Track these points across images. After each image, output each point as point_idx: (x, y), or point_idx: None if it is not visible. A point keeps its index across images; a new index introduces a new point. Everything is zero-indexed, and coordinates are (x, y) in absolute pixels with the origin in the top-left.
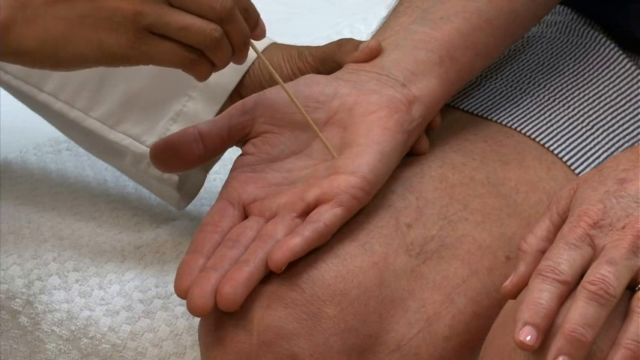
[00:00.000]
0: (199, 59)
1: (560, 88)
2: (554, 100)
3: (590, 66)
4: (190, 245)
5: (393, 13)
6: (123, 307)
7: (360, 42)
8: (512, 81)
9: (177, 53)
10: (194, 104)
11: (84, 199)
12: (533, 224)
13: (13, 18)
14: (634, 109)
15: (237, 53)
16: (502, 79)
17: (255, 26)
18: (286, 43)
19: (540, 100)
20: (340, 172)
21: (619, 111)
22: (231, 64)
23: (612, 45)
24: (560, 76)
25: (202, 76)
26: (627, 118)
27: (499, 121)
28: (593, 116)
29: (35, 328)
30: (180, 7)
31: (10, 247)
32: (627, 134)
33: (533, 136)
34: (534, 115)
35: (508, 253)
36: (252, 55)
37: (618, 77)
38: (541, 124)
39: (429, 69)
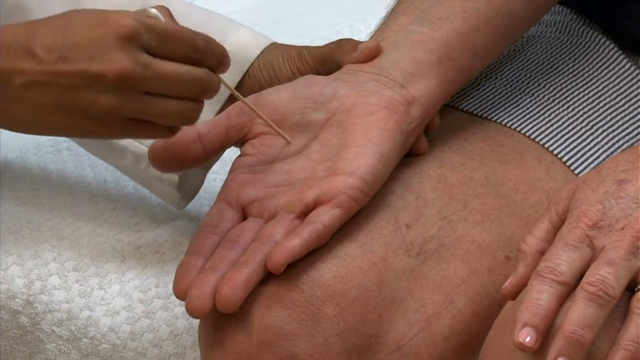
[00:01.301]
0: (176, 130)
1: (559, 88)
2: (553, 100)
3: (590, 66)
4: (189, 246)
5: (392, 14)
6: (123, 307)
7: (359, 42)
8: (512, 81)
9: (155, 132)
10: None
11: (84, 199)
12: (533, 225)
13: None
14: (633, 109)
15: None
16: (501, 79)
17: (226, 68)
18: (286, 43)
19: (540, 100)
20: (339, 172)
21: (618, 111)
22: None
23: (612, 45)
24: (559, 76)
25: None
26: (627, 118)
27: (498, 121)
28: (593, 116)
29: (35, 328)
30: (159, 94)
31: (10, 247)
32: (627, 134)
33: (532, 136)
34: (534, 115)
35: (508, 253)
36: (251, 54)
37: (618, 77)
38: (540, 124)
39: (428, 69)
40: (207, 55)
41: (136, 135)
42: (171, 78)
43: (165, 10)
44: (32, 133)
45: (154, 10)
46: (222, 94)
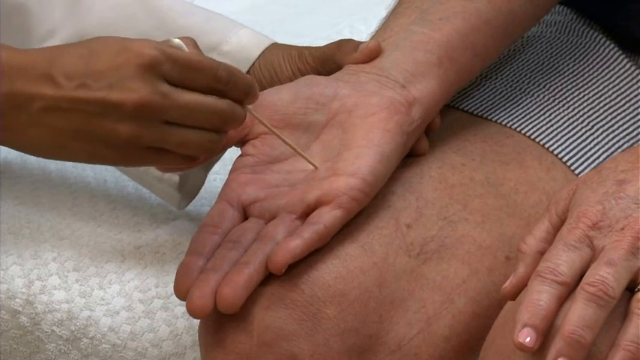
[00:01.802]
0: (195, 160)
1: (559, 88)
2: (553, 101)
3: (590, 66)
4: (190, 246)
5: (393, 14)
6: (123, 307)
7: (360, 43)
8: (512, 81)
9: (174, 161)
10: None
11: (84, 199)
12: (533, 225)
13: (10, 121)
14: (634, 110)
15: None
16: (502, 79)
17: (253, 99)
18: (286, 43)
19: (540, 100)
20: (340, 173)
21: (619, 111)
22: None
23: (612, 45)
24: (559, 76)
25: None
26: (627, 118)
27: (499, 121)
28: (593, 116)
29: (35, 328)
30: (179, 124)
31: (10, 247)
32: (627, 134)
33: (532, 137)
34: (534, 115)
35: (508, 253)
36: (252, 55)
37: (618, 77)
38: (541, 124)
39: (429, 70)
40: (230, 86)
41: (155, 163)
42: (190, 108)
43: (190, 41)
44: (50, 158)
45: (177, 40)
46: None
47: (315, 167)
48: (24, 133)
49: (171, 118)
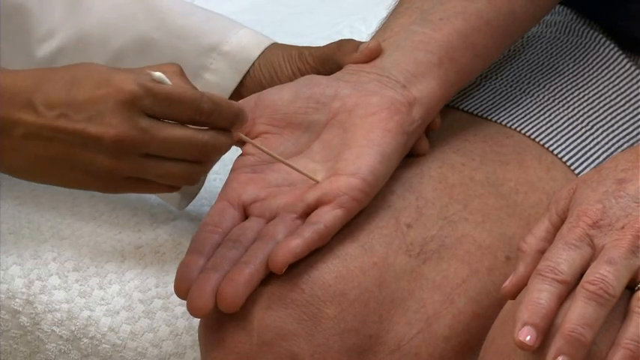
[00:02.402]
0: (175, 188)
1: (559, 88)
2: (553, 101)
3: (590, 66)
4: (190, 245)
5: (393, 14)
6: (123, 307)
7: (360, 43)
8: (512, 81)
9: (156, 189)
10: None
11: (84, 199)
12: (533, 225)
13: None
14: (634, 109)
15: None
16: (502, 79)
17: (242, 125)
18: (286, 43)
19: (540, 100)
20: (340, 173)
21: (619, 111)
22: (230, 64)
23: (612, 45)
24: (559, 76)
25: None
26: (627, 118)
27: (499, 121)
28: (593, 116)
29: (35, 328)
30: (159, 156)
31: (10, 247)
32: (627, 134)
33: (532, 137)
34: (534, 115)
35: (508, 253)
36: (252, 55)
37: (618, 77)
38: (541, 124)
39: (429, 70)
40: (214, 116)
41: (136, 191)
42: (170, 142)
43: (175, 69)
44: (31, 181)
45: (158, 74)
46: (222, 94)
47: (316, 182)
48: (6, 157)
49: (150, 151)
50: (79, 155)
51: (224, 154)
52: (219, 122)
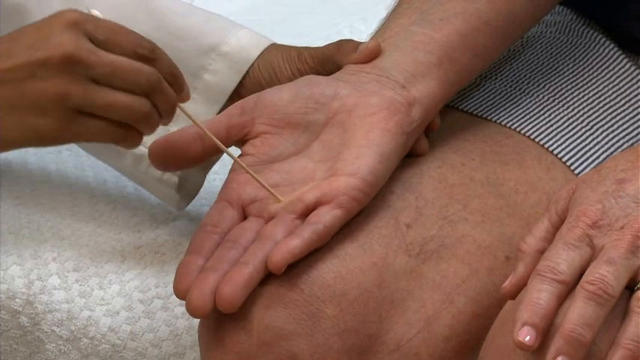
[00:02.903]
0: (129, 132)
1: (559, 88)
2: (553, 101)
3: (590, 66)
4: (189, 246)
5: (393, 14)
6: (123, 308)
7: (360, 43)
8: (512, 81)
9: (106, 130)
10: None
11: (84, 199)
12: (533, 225)
13: None
14: (633, 109)
15: (165, 119)
16: (501, 79)
17: (181, 89)
18: (286, 43)
19: (540, 100)
20: (340, 173)
21: (618, 111)
22: (230, 65)
23: (612, 45)
24: (559, 76)
25: (132, 146)
26: (627, 118)
27: (498, 121)
28: (593, 116)
29: (35, 328)
30: (106, 85)
31: (10, 247)
32: (627, 134)
33: (532, 137)
34: (534, 115)
35: (508, 253)
36: (251, 55)
37: (618, 77)
38: (540, 124)
39: (429, 70)
40: (156, 55)
41: (87, 131)
42: (116, 66)
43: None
44: None
45: (96, 11)
46: (222, 95)
47: (280, 200)
48: None
49: (97, 76)
50: (27, 90)
51: (168, 102)
52: (159, 65)
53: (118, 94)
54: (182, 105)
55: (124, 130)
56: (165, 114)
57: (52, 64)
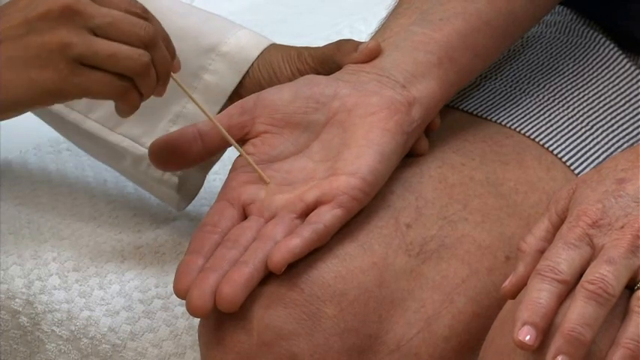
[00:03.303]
0: (130, 88)
1: (559, 88)
2: (553, 101)
3: (590, 66)
4: (190, 245)
5: (393, 14)
6: (123, 307)
7: (360, 43)
8: (512, 81)
9: (108, 82)
10: (194, 106)
11: (84, 199)
12: (533, 224)
13: None
14: (633, 109)
15: (161, 82)
16: (501, 79)
17: (173, 55)
18: (286, 43)
19: (540, 100)
20: (340, 173)
21: (618, 111)
22: (229, 65)
23: (612, 45)
24: (559, 76)
25: (133, 107)
26: (627, 118)
27: (498, 121)
28: (593, 116)
29: (35, 328)
30: (104, 37)
31: (10, 247)
32: (627, 134)
33: (532, 137)
34: (534, 115)
35: (508, 253)
36: (251, 55)
37: (618, 77)
38: (540, 124)
39: (429, 70)
40: (148, 16)
41: (89, 82)
42: (115, 17)
43: None
44: None
45: None
46: (222, 95)
47: (267, 182)
48: None
49: (96, 26)
50: (29, 44)
51: (167, 69)
52: (152, 23)
53: (118, 46)
54: (174, 75)
55: (126, 84)
56: (160, 75)
57: (52, 16)
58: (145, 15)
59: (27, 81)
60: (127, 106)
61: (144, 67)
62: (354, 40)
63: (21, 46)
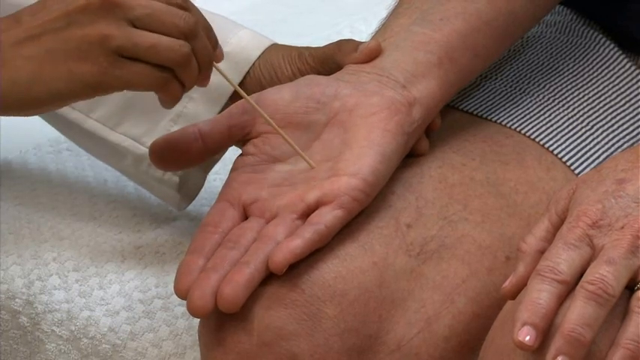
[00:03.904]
0: (171, 79)
1: (559, 88)
2: (553, 101)
3: (590, 66)
4: (190, 245)
5: (393, 14)
6: (123, 307)
7: (360, 43)
8: (512, 81)
9: (149, 74)
10: (194, 105)
11: (84, 199)
12: (533, 225)
13: None
14: (634, 109)
15: (203, 72)
16: (502, 79)
17: (215, 44)
18: (286, 43)
19: (540, 100)
20: (341, 173)
21: (619, 111)
22: (231, 65)
23: (612, 45)
24: (559, 76)
25: (174, 98)
26: (627, 118)
27: (498, 121)
28: (593, 116)
29: (35, 328)
30: (144, 28)
31: (10, 247)
32: (627, 134)
33: (532, 137)
34: (534, 115)
35: (508, 253)
36: (252, 55)
37: (618, 77)
38: (541, 124)
39: (429, 70)
40: (189, 6)
41: (129, 75)
42: (155, 8)
43: None
44: (27, 95)
45: None
46: (223, 95)
47: (312, 167)
48: (5, 71)
49: (136, 18)
50: (69, 37)
51: (209, 58)
52: (194, 15)
53: (157, 37)
54: (217, 65)
55: (167, 75)
56: (202, 65)
57: (92, 8)
58: (184, 5)
59: (67, 74)
60: (168, 97)
61: (184, 58)
62: (354, 40)
63: (61, 39)
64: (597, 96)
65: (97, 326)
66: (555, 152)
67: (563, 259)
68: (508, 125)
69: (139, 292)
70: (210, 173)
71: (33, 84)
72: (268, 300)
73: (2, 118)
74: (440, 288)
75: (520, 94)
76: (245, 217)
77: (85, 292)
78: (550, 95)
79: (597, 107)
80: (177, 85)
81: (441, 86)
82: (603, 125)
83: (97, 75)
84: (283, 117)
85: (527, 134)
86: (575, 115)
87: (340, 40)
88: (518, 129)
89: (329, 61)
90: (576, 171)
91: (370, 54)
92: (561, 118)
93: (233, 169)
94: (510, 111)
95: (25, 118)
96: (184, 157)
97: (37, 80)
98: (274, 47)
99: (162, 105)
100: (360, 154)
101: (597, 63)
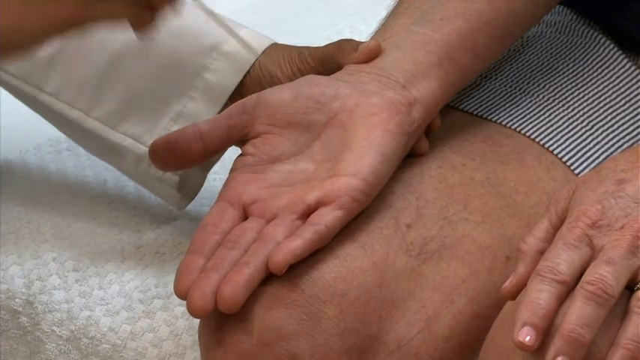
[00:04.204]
0: (142, 9)
1: (559, 88)
2: (553, 101)
3: (590, 66)
4: (190, 245)
5: (393, 14)
6: (123, 307)
7: (360, 43)
8: (512, 81)
9: (123, 2)
10: (195, 105)
11: (84, 199)
12: (533, 225)
13: None
14: (634, 109)
15: None
16: (501, 79)
17: None
18: (286, 43)
19: (540, 100)
20: (341, 174)
21: (618, 111)
22: (231, 64)
23: (612, 45)
24: (559, 76)
25: (147, 27)
26: (627, 118)
27: (498, 121)
28: (593, 116)
29: (35, 328)
30: None
31: (10, 247)
32: (627, 134)
33: (532, 137)
34: (534, 115)
35: (508, 254)
36: (252, 55)
37: (618, 77)
38: (541, 124)
39: (429, 70)
40: None
41: (108, 8)
42: None
43: None
44: (9, 46)
45: None
46: (223, 94)
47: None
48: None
49: None
50: None
51: None
52: None
53: None
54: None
55: (139, 2)
56: None
57: None
58: None
59: (45, 15)
60: (142, 27)
61: None
62: (354, 40)
63: None
64: (597, 96)
65: (97, 326)
66: (555, 152)
67: (562, 259)
68: (508, 125)
69: (139, 292)
70: (210, 173)
71: (14, 31)
72: (268, 300)
73: (2, 118)
74: (440, 288)
75: (520, 94)
76: (245, 217)
77: (85, 292)
78: (550, 95)
79: (597, 107)
80: (149, 12)
81: (441, 86)
82: (603, 125)
83: (72, 16)
84: (283, 117)
85: (527, 134)
86: (575, 115)
87: (340, 40)
88: (518, 129)
89: (329, 61)
90: (576, 171)
91: (370, 54)
92: (561, 118)
93: (233, 169)
94: (510, 111)
95: (26, 117)
96: (184, 157)
97: (18, 28)
98: (274, 47)
99: (138, 37)
100: (360, 155)
101: (597, 63)
